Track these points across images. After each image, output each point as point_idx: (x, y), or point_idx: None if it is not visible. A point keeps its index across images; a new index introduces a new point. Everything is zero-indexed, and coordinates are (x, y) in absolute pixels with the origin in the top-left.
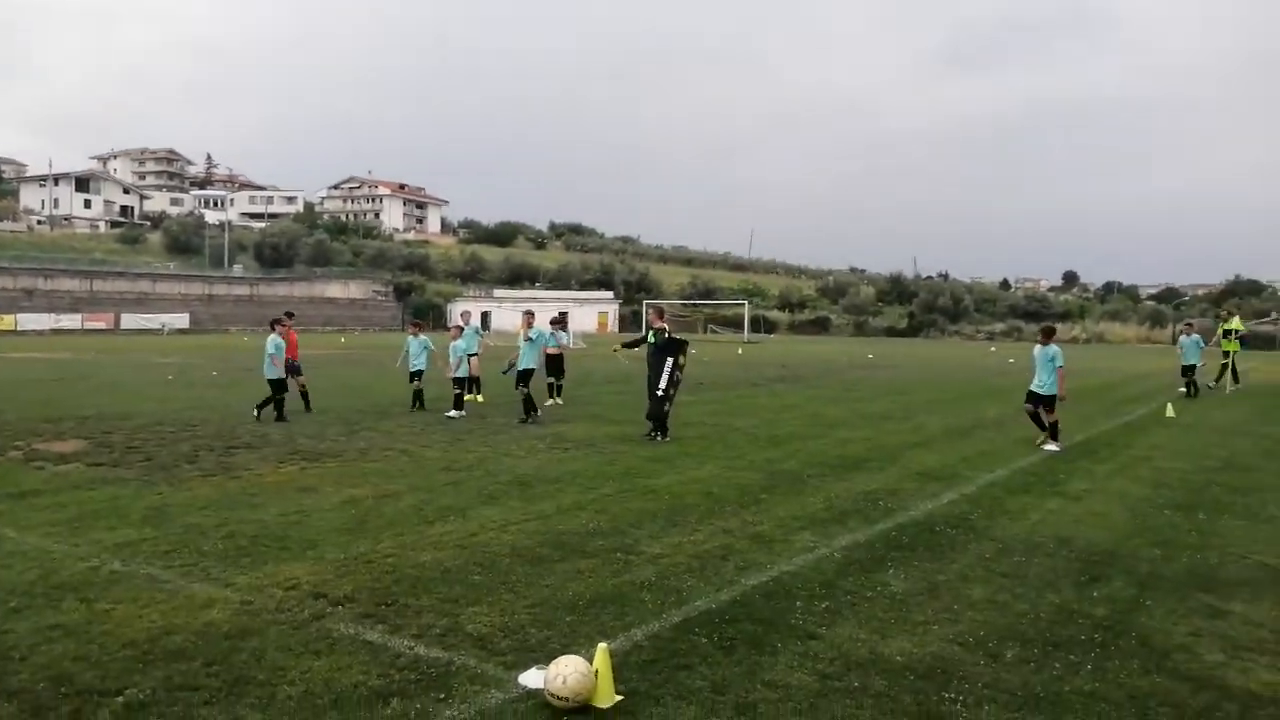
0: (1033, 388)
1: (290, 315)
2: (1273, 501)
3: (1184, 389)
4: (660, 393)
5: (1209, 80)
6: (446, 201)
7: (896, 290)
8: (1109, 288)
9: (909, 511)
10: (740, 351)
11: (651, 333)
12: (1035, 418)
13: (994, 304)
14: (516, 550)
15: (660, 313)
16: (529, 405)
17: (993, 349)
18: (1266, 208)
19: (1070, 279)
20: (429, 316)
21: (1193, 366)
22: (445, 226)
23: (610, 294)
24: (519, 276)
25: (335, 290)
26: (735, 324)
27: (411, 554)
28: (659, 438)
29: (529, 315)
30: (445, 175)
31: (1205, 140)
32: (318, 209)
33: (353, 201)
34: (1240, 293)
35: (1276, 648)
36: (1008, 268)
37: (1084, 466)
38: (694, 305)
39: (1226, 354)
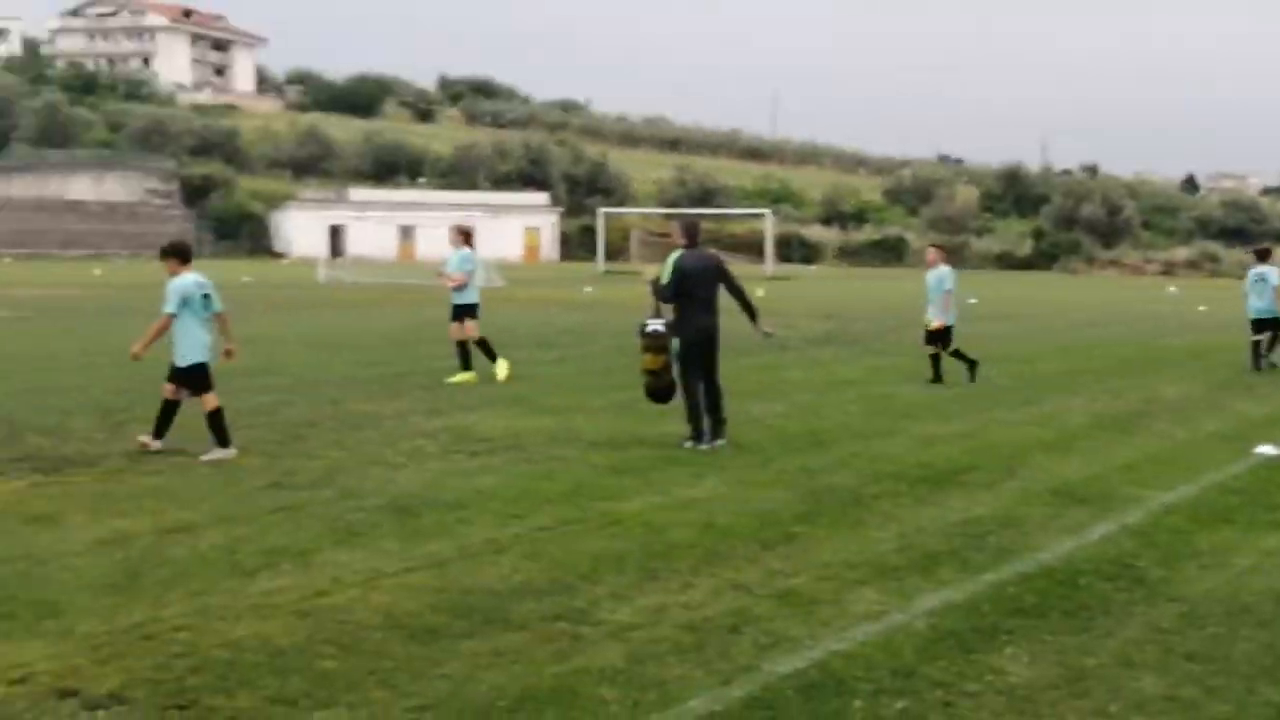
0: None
1: None
2: None
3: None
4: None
5: None
6: (264, 39)
7: (1012, 189)
8: None
9: (1037, 554)
10: (761, 293)
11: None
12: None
13: (1173, 216)
14: (393, 618)
15: (691, 229)
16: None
17: (1171, 289)
18: None
19: None
20: (240, 236)
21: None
22: (265, 82)
23: (545, 197)
24: (392, 169)
25: (82, 189)
26: (751, 247)
27: (220, 625)
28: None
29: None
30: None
31: None
32: (45, 50)
33: (105, 39)
34: None
35: None
36: (1196, 159)
37: None
38: (681, 216)
39: None
